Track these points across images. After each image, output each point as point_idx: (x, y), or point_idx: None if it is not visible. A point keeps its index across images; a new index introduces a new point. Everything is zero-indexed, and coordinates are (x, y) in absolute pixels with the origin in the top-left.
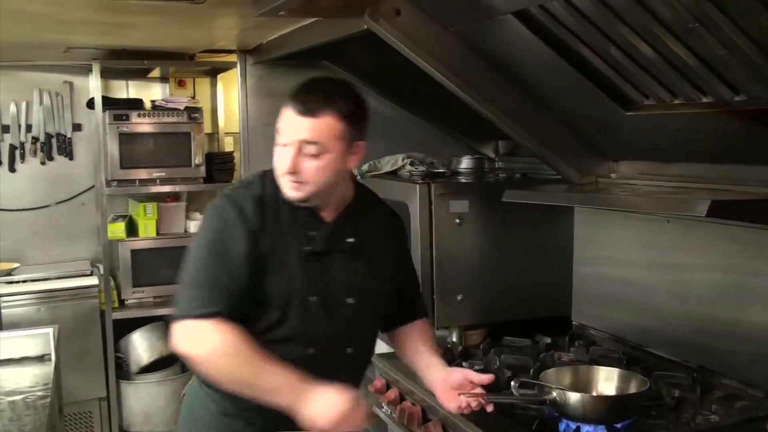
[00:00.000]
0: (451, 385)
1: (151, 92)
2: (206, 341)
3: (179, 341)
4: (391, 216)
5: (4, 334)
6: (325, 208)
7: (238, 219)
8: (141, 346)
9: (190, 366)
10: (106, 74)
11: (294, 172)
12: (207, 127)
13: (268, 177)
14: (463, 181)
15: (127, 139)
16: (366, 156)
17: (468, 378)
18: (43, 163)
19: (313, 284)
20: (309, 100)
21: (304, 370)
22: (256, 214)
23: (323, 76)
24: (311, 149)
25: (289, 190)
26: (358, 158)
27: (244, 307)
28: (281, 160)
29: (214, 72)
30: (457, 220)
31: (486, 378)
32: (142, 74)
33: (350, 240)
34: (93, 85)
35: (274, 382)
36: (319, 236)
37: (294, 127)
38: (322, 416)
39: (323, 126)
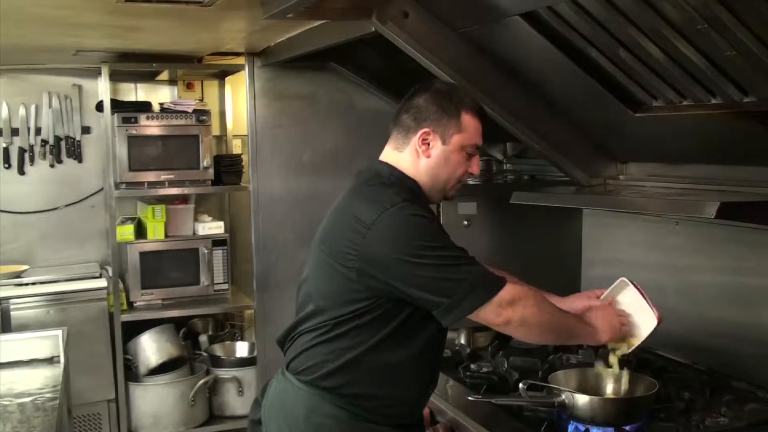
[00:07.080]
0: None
1: (160, 95)
2: (521, 303)
3: (503, 317)
4: None
5: (14, 336)
6: None
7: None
8: (150, 348)
9: (515, 334)
10: (115, 77)
11: None
12: (215, 130)
13: (405, 187)
14: (471, 183)
15: (135, 142)
16: (374, 157)
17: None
18: (52, 166)
19: None
20: (480, 106)
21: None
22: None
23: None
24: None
25: (455, 192)
26: None
27: None
28: (472, 166)
29: (222, 75)
30: (465, 222)
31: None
32: (150, 77)
33: None
34: (102, 88)
35: (571, 320)
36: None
37: (480, 134)
38: (611, 328)
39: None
